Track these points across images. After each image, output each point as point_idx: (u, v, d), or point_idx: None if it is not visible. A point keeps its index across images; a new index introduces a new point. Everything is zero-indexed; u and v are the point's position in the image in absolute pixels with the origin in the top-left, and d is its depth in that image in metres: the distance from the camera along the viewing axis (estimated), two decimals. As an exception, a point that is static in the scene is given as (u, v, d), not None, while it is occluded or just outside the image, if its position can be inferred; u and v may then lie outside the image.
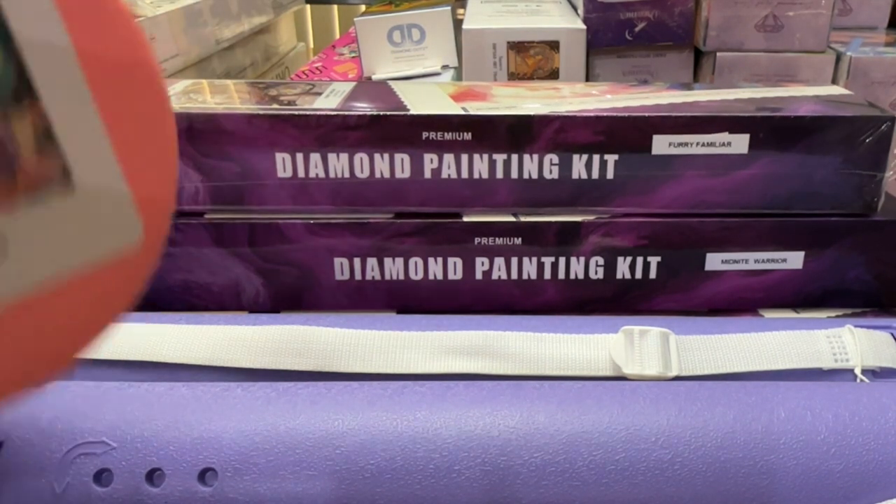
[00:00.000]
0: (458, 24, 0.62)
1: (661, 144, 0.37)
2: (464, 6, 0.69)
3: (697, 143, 0.37)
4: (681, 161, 0.37)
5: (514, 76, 0.58)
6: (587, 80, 0.59)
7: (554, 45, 0.57)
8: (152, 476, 0.25)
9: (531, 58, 0.57)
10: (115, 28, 0.15)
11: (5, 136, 0.14)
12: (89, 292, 0.16)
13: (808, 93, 0.41)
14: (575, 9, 0.63)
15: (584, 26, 0.57)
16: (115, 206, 0.16)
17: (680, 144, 0.37)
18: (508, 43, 0.57)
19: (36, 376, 0.16)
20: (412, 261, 0.39)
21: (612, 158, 0.37)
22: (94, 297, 0.16)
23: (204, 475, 0.25)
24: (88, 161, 0.15)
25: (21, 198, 0.15)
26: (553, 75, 0.58)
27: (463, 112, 0.37)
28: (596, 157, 0.37)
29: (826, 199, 0.38)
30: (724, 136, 0.37)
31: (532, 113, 0.37)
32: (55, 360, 0.16)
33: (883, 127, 0.37)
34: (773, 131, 0.37)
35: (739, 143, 0.37)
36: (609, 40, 0.59)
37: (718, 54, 0.57)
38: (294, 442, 0.26)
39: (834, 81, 0.58)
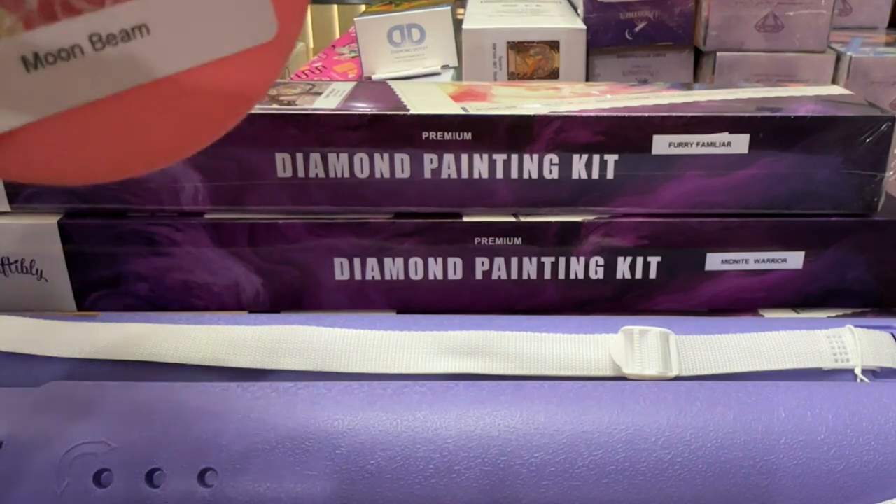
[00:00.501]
0: (458, 23, 0.62)
1: (662, 144, 0.37)
2: (464, 6, 0.69)
3: (697, 143, 0.37)
4: (681, 161, 0.37)
5: (514, 76, 0.58)
6: (587, 79, 0.59)
7: (554, 45, 0.57)
8: (152, 476, 0.25)
9: (531, 58, 0.57)
10: None
11: None
12: (228, 75, 0.17)
13: (809, 93, 0.41)
14: (575, 9, 0.63)
15: (584, 26, 0.57)
16: (252, 4, 0.16)
17: (680, 144, 0.37)
18: (508, 43, 0.57)
19: (183, 146, 0.17)
20: (412, 261, 0.39)
21: (612, 158, 0.37)
22: (231, 80, 0.17)
23: (204, 475, 0.25)
24: None
25: None
26: (553, 75, 0.58)
27: (463, 112, 0.37)
28: (596, 157, 0.37)
29: (826, 198, 0.38)
30: (724, 136, 0.37)
31: (532, 113, 0.37)
32: (198, 135, 0.17)
33: (883, 127, 0.37)
34: (774, 131, 0.37)
35: (739, 143, 0.37)
36: (609, 40, 0.58)
37: (718, 54, 0.57)
38: (294, 442, 0.26)
39: (834, 81, 0.58)
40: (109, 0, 0.15)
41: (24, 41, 0.15)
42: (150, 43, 0.16)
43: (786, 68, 0.57)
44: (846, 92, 0.42)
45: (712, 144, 0.37)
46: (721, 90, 0.42)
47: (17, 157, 0.16)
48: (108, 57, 0.16)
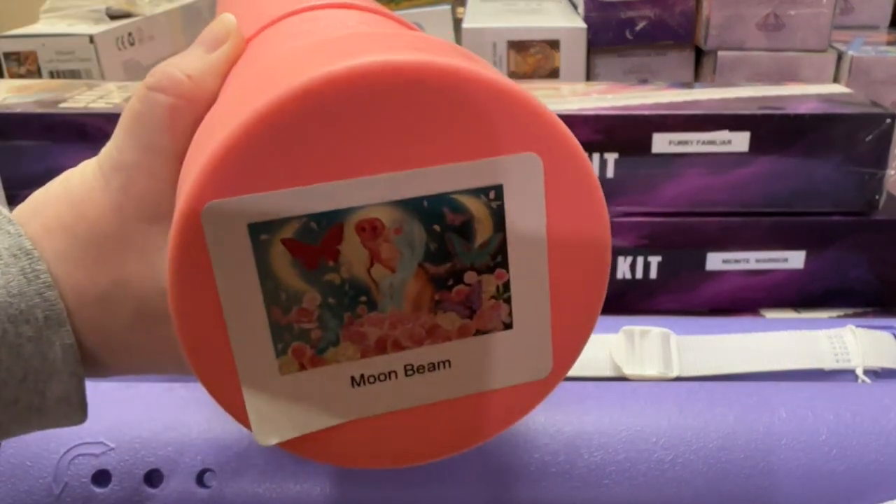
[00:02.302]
0: (457, 22, 0.62)
1: (662, 143, 0.37)
2: (464, 5, 0.69)
3: (698, 142, 0.37)
4: (681, 159, 0.37)
5: (514, 75, 0.58)
6: (587, 79, 0.59)
7: (554, 44, 0.57)
8: (151, 477, 0.25)
9: (531, 57, 0.57)
10: (587, 213, 0.19)
11: (476, 291, 0.19)
12: (503, 399, 0.20)
13: (810, 91, 0.41)
14: (575, 8, 0.63)
15: (584, 25, 0.57)
16: (535, 352, 0.20)
17: (680, 143, 0.37)
18: (508, 42, 0.57)
19: (452, 449, 0.21)
20: (412, 260, 0.38)
21: (612, 157, 0.37)
22: (504, 403, 0.20)
23: (202, 476, 0.25)
24: (528, 317, 0.20)
25: (471, 333, 0.19)
26: (553, 74, 0.57)
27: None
28: (596, 156, 0.37)
29: (827, 196, 0.38)
30: (724, 135, 0.37)
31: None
32: (464, 442, 0.21)
33: (884, 124, 0.37)
34: (774, 129, 0.37)
35: (740, 142, 0.37)
36: (609, 39, 0.58)
37: (719, 53, 0.57)
38: (293, 442, 0.26)
39: (835, 80, 0.58)
40: (428, 341, 0.19)
41: (356, 366, 0.19)
42: (448, 374, 0.20)
43: (787, 67, 0.57)
44: (847, 91, 0.42)
45: (712, 143, 0.37)
46: (721, 89, 0.42)
47: (324, 448, 0.20)
48: (412, 381, 0.20)
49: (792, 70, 0.57)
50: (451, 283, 0.19)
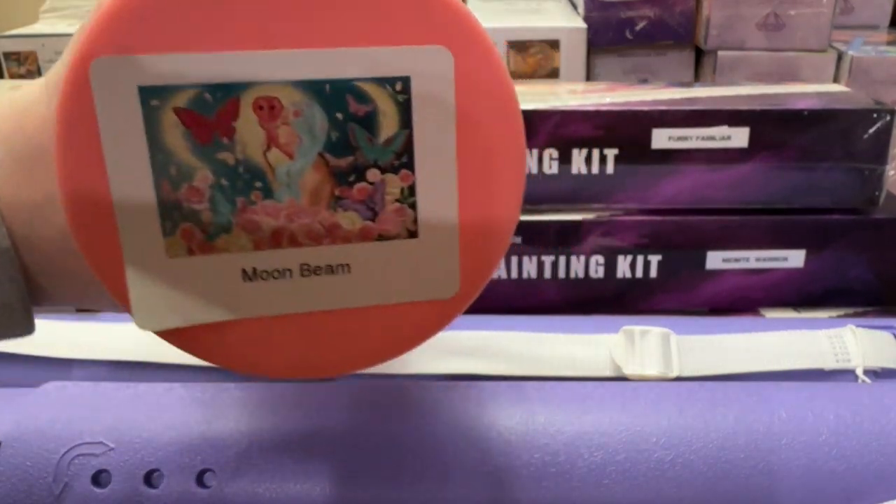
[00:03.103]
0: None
1: (661, 138, 0.37)
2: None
3: (697, 137, 0.37)
4: (680, 155, 0.37)
5: (514, 75, 0.57)
6: (587, 79, 0.59)
7: (554, 45, 0.57)
8: (150, 477, 0.25)
9: (531, 57, 0.57)
10: (500, 115, 0.18)
11: (379, 191, 0.18)
12: (404, 316, 0.20)
13: (809, 90, 0.41)
14: (575, 8, 0.63)
15: (584, 25, 0.57)
16: (441, 267, 0.19)
17: (679, 138, 0.37)
18: (508, 42, 0.57)
19: (353, 364, 0.20)
20: (412, 260, 0.38)
21: (611, 153, 0.37)
22: (406, 321, 0.20)
23: (202, 476, 0.25)
24: (434, 226, 0.19)
25: (372, 237, 0.19)
26: (553, 74, 0.57)
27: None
28: (595, 152, 0.37)
29: (827, 192, 0.38)
30: (723, 130, 0.37)
31: (531, 107, 0.37)
32: (366, 357, 0.20)
33: (883, 120, 0.37)
34: (774, 125, 0.37)
35: (739, 137, 0.37)
36: (609, 39, 0.58)
37: (720, 53, 0.57)
38: (293, 442, 0.26)
39: (835, 80, 0.58)
40: (326, 241, 0.19)
41: (248, 257, 0.18)
42: (347, 279, 0.19)
43: (787, 67, 0.57)
44: (846, 89, 0.42)
45: (712, 138, 0.37)
46: (721, 87, 0.42)
47: (216, 347, 0.19)
48: (309, 283, 0.19)
49: (792, 70, 0.57)
50: (352, 179, 0.18)
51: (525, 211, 0.39)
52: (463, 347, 0.31)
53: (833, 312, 0.39)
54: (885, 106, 0.37)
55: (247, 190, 0.18)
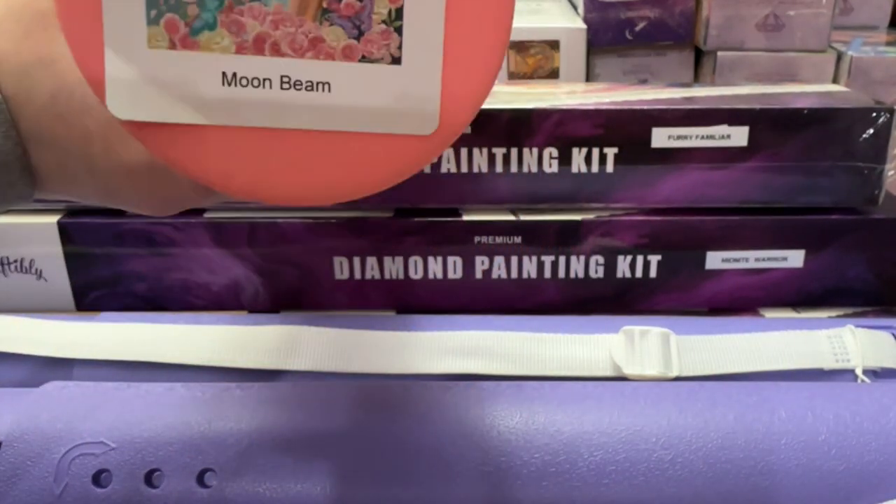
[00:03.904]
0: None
1: (661, 137, 0.37)
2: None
3: (697, 136, 0.37)
4: (680, 154, 0.37)
5: (514, 76, 0.57)
6: (587, 79, 0.59)
7: (554, 45, 0.57)
8: (151, 477, 0.25)
9: (531, 57, 0.57)
10: None
11: (367, 9, 0.18)
12: (383, 148, 0.19)
13: (808, 90, 0.41)
14: (575, 8, 0.63)
15: (584, 25, 0.57)
16: (422, 100, 0.19)
17: (679, 137, 0.37)
18: (508, 42, 0.57)
19: (331, 194, 0.20)
20: (412, 260, 0.38)
21: (611, 152, 0.37)
22: (385, 154, 0.19)
23: (203, 476, 0.25)
24: (418, 52, 0.19)
25: (356, 57, 0.19)
26: (553, 75, 0.57)
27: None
28: (595, 151, 0.37)
29: (827, 191, 0.38)
30: (723, 129, 0.37)
31: (531, 107, 0.37)
32: (347, 189, 0.20)
33: (883, 118, 0.37)
34: (773, 124, 0.37)
35: (739, 136, 0.37)
36: (609, 39, 0.58)
37: (719, 53, 0.57)
38: (293, 442, 0.26)
39: (835, 81, 0.58)
40: (309, 54, 0.18)
41: (229, 60, 0.18)
42: (327, 99, 0.19)
43: (786, 68, 0.57)
44: (846, 90, 0.42)
45: (711, 137, 0.37)
46: (721, 87, 0.42)
47: (193, 155, 0.19)
48: (289, 97, 0.19)
49: (791, 70, 0.57)
50: None
51: (525, 211, 0.39)
52: (463, 347, 0.31)
53: (833, 312, 0.39)
54: (885, 105, 0.37)
55: None
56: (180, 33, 0.18)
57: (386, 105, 0.19)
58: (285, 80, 0.19)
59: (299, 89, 0.19)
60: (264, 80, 0.19)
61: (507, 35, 0.20)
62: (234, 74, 0.19)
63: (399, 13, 0.18)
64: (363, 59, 0.19)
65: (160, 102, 0.18)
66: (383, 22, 0.19)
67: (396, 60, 0.19)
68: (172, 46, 0.18)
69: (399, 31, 0.19)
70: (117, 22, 0.18)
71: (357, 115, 0.19)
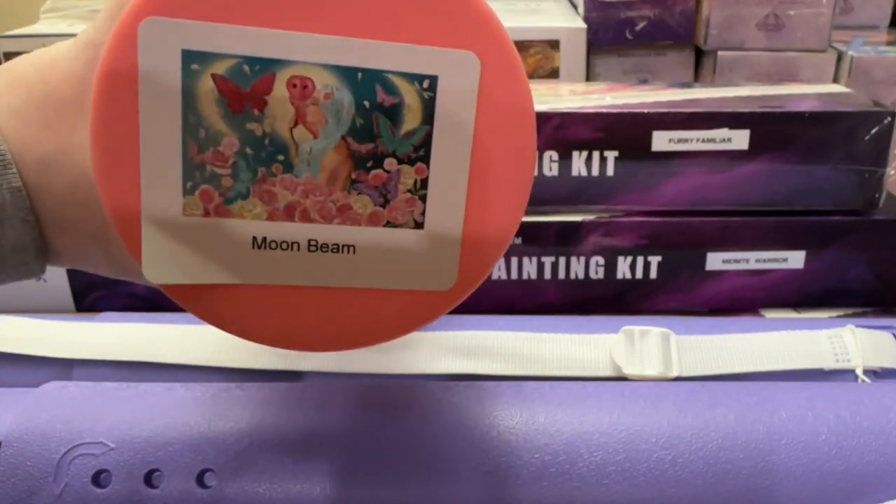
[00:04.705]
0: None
1: (661, 141, 0.37)
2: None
3: (697, 140, 0.37)
4: (681, 157, 0.37)
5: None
6: (587, 79, 0.59)
7: (554, 45, 0.57)
8: (151, 477, 0.25)
9: (531, 57, 0.57)
10: (517, 124, 0.19)
11: (394, 180, 0.19)
12: (400, 302, 0.20)
13: (809, 90, 0.41)
14: (575, 8, 0.63)
15: (584, 25, 0.57)
16: (442, 260, 0.20)
17: (680, 141, 0.37)
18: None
19: (350, 342, 0.21)
20: (412, 260, 0.38)
21: (611, 155, 0.37)
22: (402, 307, 0.21)
23: (202, 476, 0.25)
24: (440, 218, 0.20)
25: (381, 223, 0.20)
26: (553, 74, 0.57)
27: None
28: (595, 154, 0.37)
29: (827, 194, 0.38)
30: (724, 132, 0.37)
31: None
32: (353, 339, 0.21)
33: (884, 122, 0.37)
34: (774, 127, 0.37)
35: (740, 139, 0.37)
36: (609, 39, 0.58)
37: (719, 53, 0.57)
38: (293, 442, 0.26)
39: (835, 81, 0.58)
40: (337, 220, 0.19)
41: (260, 226, 0.19)
42: (351, 260, 0.20)
43: (787, 67, 0.57)
44: (847, 90, 0.42)
45: (712, 140, 0.37)
46: (721, 88, 0.42)
47: (224, 311, 0.20)
48: (315, 258, 0.20)
49: (792, 70, 0.57)
50: (370, 164, 0.19)
51: (525, 212, 0.39)
52: (463, 347, 0.31)
53: (833, 313, 0.39)
54: (886, 108, 0.37)
55: (269, 161, 0.19)
56: (214, 203, 0.19)
57: (407, 265, 0.20)
58: (312, 243, 0.20)
59: (325, 251, 0.20)
60: (292, 243, 0.20)
61: (525, 199, 0.21)
62: (265, 239, 0.20)
63: (424, 183, 0.19)
64: (388, 224, 0.20)
65: (192, 266, 0.20)
66: (409, 191, 0.19)
67: (419, 225, 0.20)
68: (206, 214, 0.19)
69: (423, 199, 0.20)
70: (155, 192, 0.19)
71: (379, 274, 0.20)
